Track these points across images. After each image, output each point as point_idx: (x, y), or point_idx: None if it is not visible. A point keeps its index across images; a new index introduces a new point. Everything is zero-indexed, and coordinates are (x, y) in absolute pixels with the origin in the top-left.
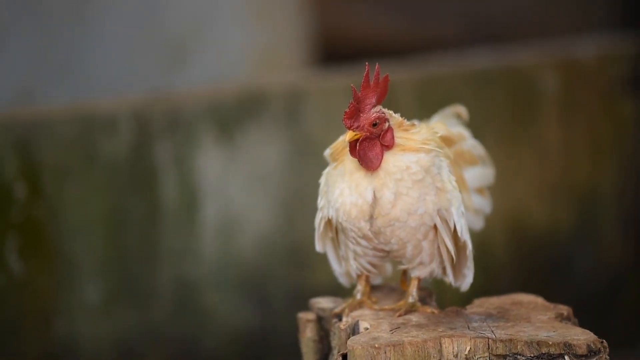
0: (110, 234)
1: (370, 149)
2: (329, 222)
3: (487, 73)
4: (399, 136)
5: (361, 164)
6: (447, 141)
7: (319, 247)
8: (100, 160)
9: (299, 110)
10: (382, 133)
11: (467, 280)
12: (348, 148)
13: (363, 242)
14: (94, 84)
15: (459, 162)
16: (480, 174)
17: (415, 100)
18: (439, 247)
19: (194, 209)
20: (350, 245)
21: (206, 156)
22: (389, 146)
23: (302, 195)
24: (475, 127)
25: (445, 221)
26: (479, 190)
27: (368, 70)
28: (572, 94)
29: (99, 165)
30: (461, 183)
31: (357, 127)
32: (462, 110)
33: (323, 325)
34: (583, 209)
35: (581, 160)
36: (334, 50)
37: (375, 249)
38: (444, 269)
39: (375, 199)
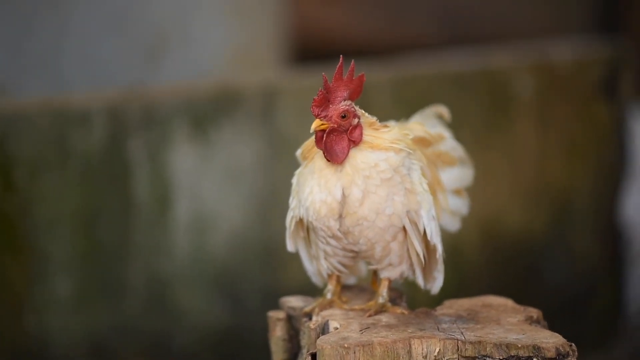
0: (83, 229)
1: (337, 142)
2: (300, 221)
3: (463, 75)
4: (368, 134)
5: (325, 156)
6: (423, 142)
7: (290, 247)
8: (73, 155)
9: (274, 109)
10: (350, 128)
11: (437, 283)
12: (315, 138)
13: (332, 242)
14: (69, 79)
15: (437, 162)
16: (458, 175)
17: (391, 100)
18: (408, 249)
19: (167, 206)
20: (321, 244)
21: (180, 153)
22: (356, 142)
23: (275, 194)
24: (450, 129)
25: (414, 224)
26: (457, 192)
27: (342, 62)
28: (547, 97)
29: (73, 160)
30: (437, 184)
31: (324, 117)
32: (443, 110)
33: (293, 324)
34: (557, 212)
35: (555, 164)
36: (311, 49)
37: (344, 249)
38: (414, 271)
39: (343, 196)
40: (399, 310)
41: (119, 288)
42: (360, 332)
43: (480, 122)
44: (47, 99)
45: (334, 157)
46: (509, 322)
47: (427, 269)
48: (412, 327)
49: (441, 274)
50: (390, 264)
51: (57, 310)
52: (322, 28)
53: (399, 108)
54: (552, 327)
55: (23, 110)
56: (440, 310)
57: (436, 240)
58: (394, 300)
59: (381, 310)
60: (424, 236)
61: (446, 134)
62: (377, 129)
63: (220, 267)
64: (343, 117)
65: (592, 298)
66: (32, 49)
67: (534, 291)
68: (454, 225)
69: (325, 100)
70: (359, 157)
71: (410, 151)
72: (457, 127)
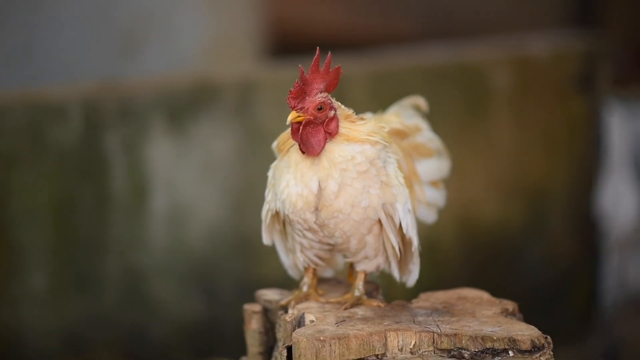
0: (58, 222)
1: (313, 134)
2: (276, 214)
3: (441, 69)
4: (345, 126)
5: (301, 149)
6: (400, 134)
7: (266, 240)
8: (49, 148)
9: (251, 102)
10: (326, 120)
11: (412, 276)
12: (290, 130)
13: (309, 235)
14: (45, 71)
15: (413, 154)
16: (435, 166)
17: (369, 94)
18: (384, 242)
19: (144, 198)
20: (297, 237)
21: (156, 146)
22: (332, 134)
23: (252, 187)
24: (428, 121)
25: (390, 217)
26: (433, 183)
27: (318, 54)
28: (524, 91)
29: (49, 153)
30: (414, 176)
31: (301, 109)
32: (420, 101)
33: (269, 317)
34: (533, 205)
35: (532, 157)
36: (289, 43)
37: (320, 242)
38: (390, 264)
39: (320, 189)
40: (374, 303)
41: (94, 280)
42: (336, 324)
43: (457, 116)
44: (23, 92)
45: (310, 150)
46: (485, 314)
47: (402, 262)
48: (388, 319)
49: (417, 267)
50: (366, 257)
51: (32, 303)
52: (300, 21)
53: (376, 102)
54: (528, 320)
55: None
56: (416, 303)
57: (412, 233)
58: (369, 293)
59: (357, 303)
60: (400, 229)
61: (423, 125)
62: (353, 122)
63: (196, 260)
64: (319, 109)
65: (568, 291)
66: (8, 42)
67: (510, 284)
68: (430, 217)
69: (301, 92)
70: (335, 150)
71: (386, 144)
72: (434, 120)
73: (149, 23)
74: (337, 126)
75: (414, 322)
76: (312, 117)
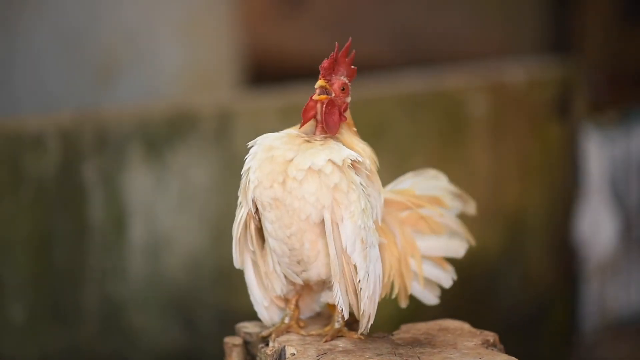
0: (36, 253)
1: (331, 114)
2: (248, 218)
3: (418, 96)
4: (346, 132)
5: (321, 125)
6: (398, 205)
7: (236, 262)
8: (27, 178)
9: (229, 131)
10: (344, 105)
11: (363, 321)
12: (305, 107)
13: (279, 233)
14: (22, 101)
15: (417, 225)
16: (444, 245)
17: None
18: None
19: (122, 229)
20: (270, 241)
21: (135, 175)
22: (344, 120)
23: (230, 217)
24: (405, 149)
25: (336, 224)
26: (439, 261)
27: (350, 42)
28: (500, 117)
29: (26, 184)
30: (408, 245)
31: (329, 80)
32: (470, 203)
33: (249, 350)
34: (511, 232)
35: (509, 183)
36: (266, 71)
37: (290, 255)
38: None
39: (292, 160)
40: (355, 335)
41: (73, 311)
42: (317, 357)
43: (435, 143)
44: None
45: (330, 128)
46: (466, 346)
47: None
48: (369, 352)
49: (367, 310)
50: (319, 277)
51: (10, 334)
52: (277, 48)
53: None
54: (509, 346)
55: None
56: (397, 334)
57: (358, 262)
58: (350, 324)
59: (338, 335)
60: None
61: (447, 198)
62: (354, 134)
63: (175, 290)
64: (342, 89)
65: (547, 317)
66: None
67: (488, 311)
68: (429, 298)
69: (332, 67)
70: (331, 142)
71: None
72: (412, 147)
73: (126, 52)
74: (348, 114)
75: (395, 355)
76: (335, 94)
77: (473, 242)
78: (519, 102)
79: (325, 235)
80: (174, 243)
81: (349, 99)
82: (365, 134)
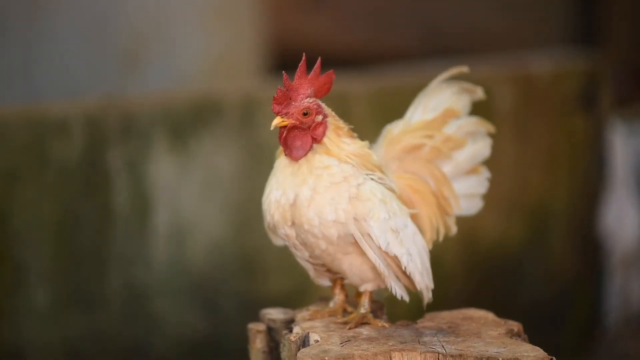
0: (60, 239)
1: (297, 138)
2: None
3: None
4: (329, 137)
5: (285, 152)
6: (416, 147)
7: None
8: (51, 164)
9: (253, 118)
10: (313, 125)
11: (424, 295)
12: (278, 135)
13: (297, 253)
14: (47, 87)
15: (440, 154)
16: (470, 153)
17: (370, 111)
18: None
19: (146, 215)
20: (292, 250)
21: (159, 162)
22: (317, 139)
23: (254, 203)
24: None
25: (367, 235)
26: (473, 170)
27: (304, 60)
28: (526, 108)
29: (51, 170)
30: (439, 182)
31: (285, 114)
32: (477, 90)
33: (273, 336)
34: (535, 224)
35: (534, 175)
36: (290, 59)
37: (313, 262)
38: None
39: (295, 197)
40: (379, 323)
41: (96, 296)
42: (341, 345)
43: None
44: (25, 108)
45: (292, 153)
46: (490, 335)
47: (406, 282)
48: (393, 340)
49: (424, 287)
50: (361, 279)
51: (34, 319)
52: (302, 37)
53: (378, 119)
54: (531, 338)
55: (1, 120)
56: (421, 323)
57: (396, 251)
58: (374, 312)
59: (362, 321)
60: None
61: (459, 107)
62: (339, 136)
63: (199, 277)
64: (305, 114)
65: (571, 309)
66: (10, 57)
67: (511, 301)
68: (473, 207)
69: (285, 98)
70: (316, 158)
71: (367, 173)
72: None
73: (151, 39)
74: (324, 132)
75: (419, 343)
76: (297, 122)
77: (482, 93)
78: (544, 94)
79: (347, 247)
80: (198, 230)
81: (320, 118)
82: (389, 123)
